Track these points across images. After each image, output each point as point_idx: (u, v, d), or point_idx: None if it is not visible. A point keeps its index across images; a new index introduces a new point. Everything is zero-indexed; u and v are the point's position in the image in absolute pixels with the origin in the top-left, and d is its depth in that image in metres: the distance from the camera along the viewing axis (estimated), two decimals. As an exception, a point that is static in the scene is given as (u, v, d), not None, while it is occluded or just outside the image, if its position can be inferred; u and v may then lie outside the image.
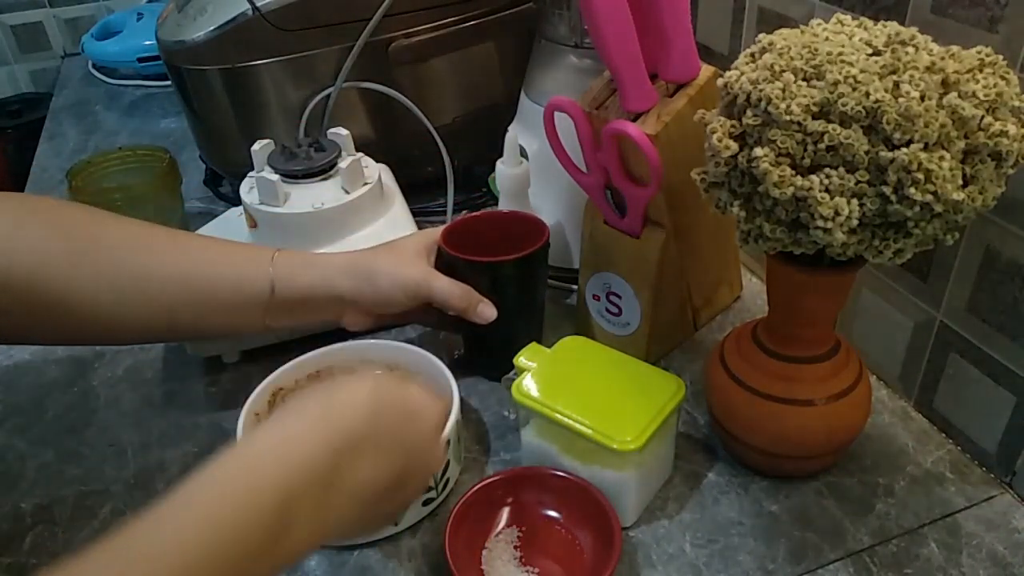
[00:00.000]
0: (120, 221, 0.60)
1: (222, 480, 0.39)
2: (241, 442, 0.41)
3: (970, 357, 0.60)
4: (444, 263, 0.67)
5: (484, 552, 0.55)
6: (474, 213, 0.72)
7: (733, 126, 0.48)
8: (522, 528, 0.57)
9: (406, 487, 0.48)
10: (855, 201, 0.44)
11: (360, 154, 0.77)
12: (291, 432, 0.42)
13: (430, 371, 0.63)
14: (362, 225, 0.74)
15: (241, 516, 0.38)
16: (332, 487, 0.41)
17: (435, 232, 0.68)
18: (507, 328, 0.68)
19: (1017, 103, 0.44)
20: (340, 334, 0.67)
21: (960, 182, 0.43)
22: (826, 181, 0.44)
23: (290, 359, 0.64)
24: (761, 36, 0.50)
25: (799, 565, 0.55)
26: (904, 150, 0.42)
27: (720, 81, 0.49)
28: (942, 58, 0.45)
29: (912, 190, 0.42)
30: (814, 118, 0.44)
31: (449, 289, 0.63)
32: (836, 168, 0.44)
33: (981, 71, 0.45)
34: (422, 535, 0.58)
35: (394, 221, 0.76)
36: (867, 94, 0.43)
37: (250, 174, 0.75)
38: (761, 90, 0.45)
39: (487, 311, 0.65)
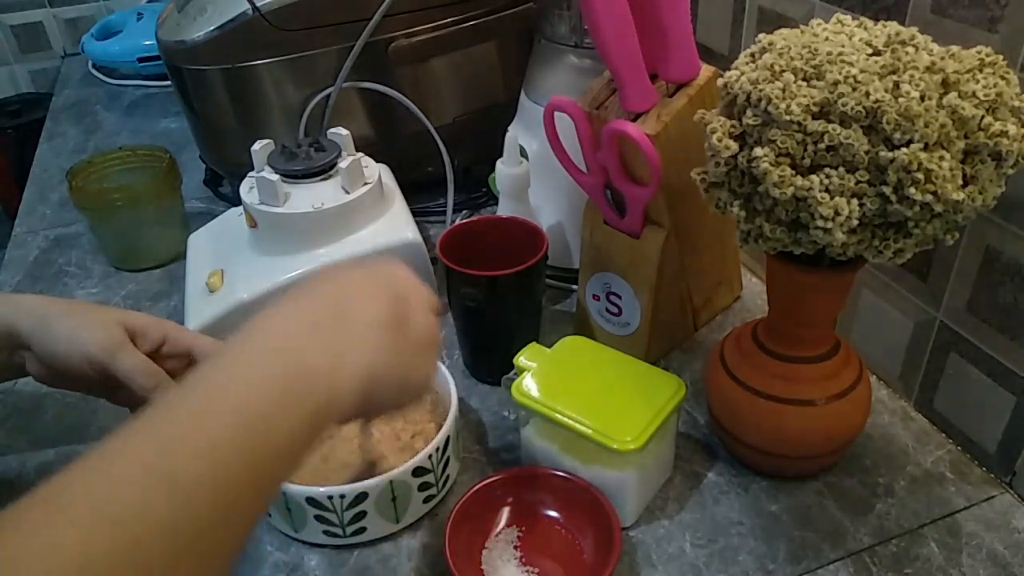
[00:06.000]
0: None
1: (228, 362, 0.40)
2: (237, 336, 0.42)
3: (970, 357, 0.60)
4: (442, 273, 0.66)
5: (484, 552, 0.56)
6: (470, 219, 0.71)
7: (733, 126, 0.48)
8: (522, 528, 0.57)
9: (407, 324, 0.46)
10: (855, 201, 0.44)
11: (360, 154, 0.77)
12: (282, 308, 0.43)
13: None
14: (362, 225, 0.74)
15: (255, 376, 0.38)
16: (337, 319, 0.42)
17: (141, 317, 0.59)
18: (505, 334, 0.68)
19: (1017, 103, 0.44)
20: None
21: (960, 182, 0.43)
22: (826, 181, 0.44)
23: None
24: (761, 36, 0.50)
25: (799, 565, 0.55)
26: (904, 150, 0.42)
27: (720, 81, 0.49)
28: (942, 58, 0.45)
29: (912, 190, 0.42)
30: (814, 118, 0.44)
31: (138, 366, 0.56)
32: (836, 168, 0.44)
33: (981, 71, 0.45)
34: (422, 535, 0.58)
35: (394, 221, 0.76)
36: (867, 94, 0.43)
37: (250, 174, 0.75)
38: (761, 90, 0.45)
39: None
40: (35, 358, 0.58)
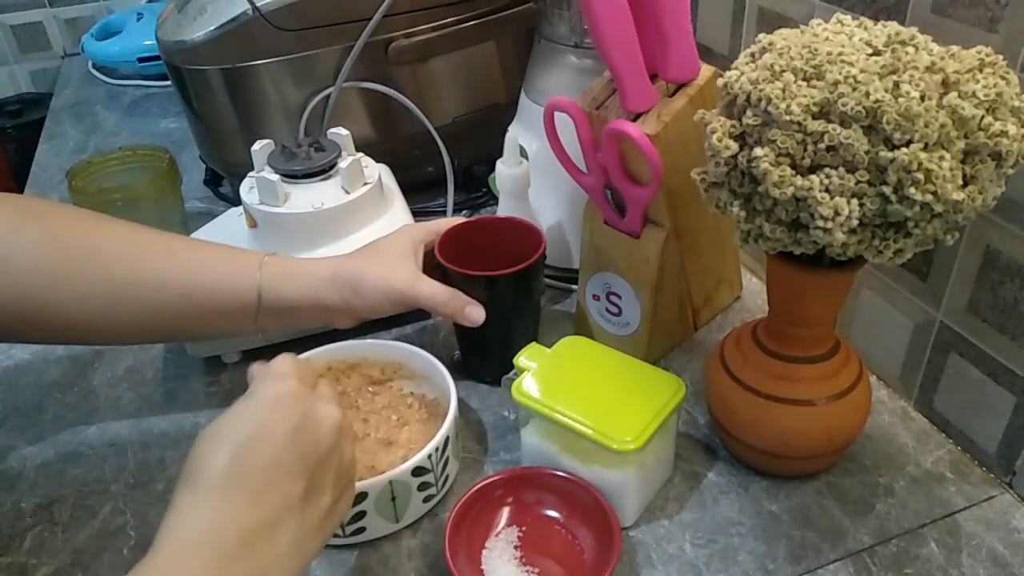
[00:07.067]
0: (113, 226, 0.60)
1: None
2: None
3: (970, 357, 0.60)
4: (440, 274, 0.66)
5: (484, 552, 0.55)
6: (469, 219, 0.71)
7: (733, 126, 0.48)
8: (522, 528, 0.57)
9: (321, 496, 0.44)
10: (855, 201, 0.44)
11: (360, 154, 0.77)
12: (176, 518, 0.40)
13: (429, 372, 0.64)
14: (362, 225, 0.74)
15: None
16: (253, 538, 0.40)
17: (424, 227, 0.68)
18: (504, 334, 0.68)
19: (1017, 103, 0.44)
20: (337, 334, 0.67)
21: (960, 182, 0.43)
22: (826, 181, 0.44)
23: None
24: (761, 36, 0.50)
25: (799, 565, 0.55)
26: (904, 150, 0.42)
27: (720, 81, 0.49)
28: (942, 58, 0.45)
29: (912, 190, 0.42)
30: (814, 118, 0.44)
31: (435, 295, 0.63)
32: (836, 168, 0.44)
33: (981, 71, 0.45)
34: (422, 535, 0.58)
35: (394, 221, 0.76)
36: (867, 94, 0.43)
37: (250, 174, 0.75)
38: (761, 90, 0.45)
39: (475, 313, 0.64)
40: (345, 316, 0.63)
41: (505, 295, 0.67)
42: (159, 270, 0.59)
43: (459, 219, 0.71)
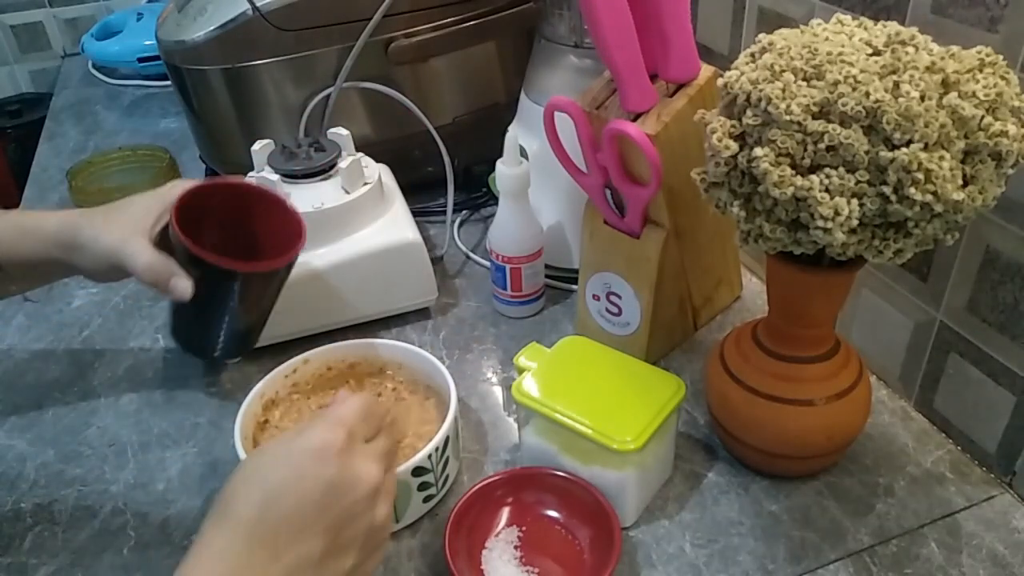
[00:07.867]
0: None
1: None
2: None
3: (970, 357, 0.60)
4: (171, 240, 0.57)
5: (484, 552, 0.55)
6: (221, 182, 0.61)
7: (733, 126, 0.48)
8: (522, 528, 0.57)
9: (343, 557, 0.43)
10: (855, 201, 0.44)
11: (360, 154, 0.77)
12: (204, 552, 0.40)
13: (429, 371, 0.64)
14: (362, 225, 0.74)
15: None
16: None
17: (182, 184, 0.59)
18: (214, 320, 0.60)
19: (1017, 103, 0.44)
20: (337, 334, 0.67)
21: (960, 182, 0.43)
22: (826, 181, 0.44)
23: (291, 358, 0.64)
24: (761, 36, 0.50)
25: (799, 565, 0.55)
26: (904, 150, 0.42)
27: (720, 81, 0.49)
28: (942, 58, 0.45)
29: (912, 190, 0.42)
30: (814, 118, 0.44)
31: (140, 258, 0.54)
32: (836, 168, 0.44)
33: (981, 71, 0.45)
34: (422, 535, 0.58)
35: (394, 221, 0.76)
36: (867, 94, 0.43)
37: (250, 174, 0.75)
38: (761, 90, 0.45)
39: (179, 286, 0.55)
40: (90, 274, 0.59)
41: (219, 282, 0.57)
42: None
43: (208, 181, 0.61)
